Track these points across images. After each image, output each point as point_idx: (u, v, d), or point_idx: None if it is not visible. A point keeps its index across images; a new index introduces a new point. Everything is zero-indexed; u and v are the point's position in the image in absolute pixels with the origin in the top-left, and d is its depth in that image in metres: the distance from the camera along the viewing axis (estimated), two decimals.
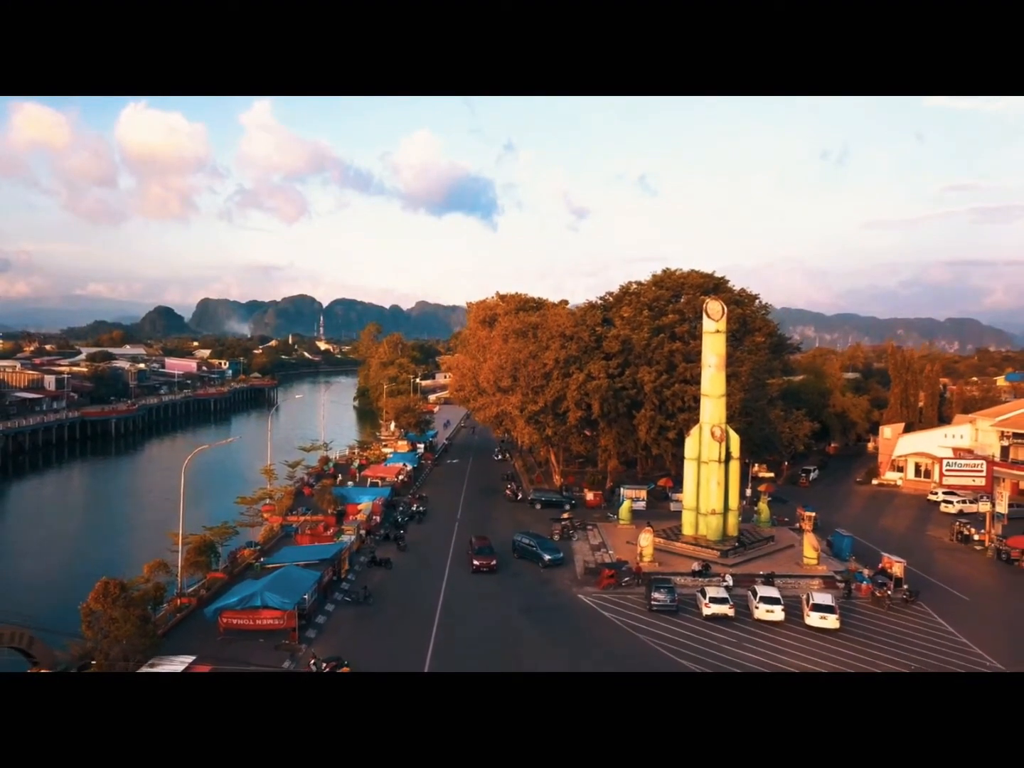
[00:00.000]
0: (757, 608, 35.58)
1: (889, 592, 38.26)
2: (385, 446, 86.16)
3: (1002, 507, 48.99)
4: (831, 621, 34.25)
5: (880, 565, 41.59)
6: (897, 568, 40.23)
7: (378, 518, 52.91)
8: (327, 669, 28.00)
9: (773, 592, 36.57)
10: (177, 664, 25.25)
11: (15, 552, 56.48)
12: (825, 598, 35.56)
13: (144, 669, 24.81)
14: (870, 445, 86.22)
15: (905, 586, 39.23)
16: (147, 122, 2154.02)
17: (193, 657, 26.44)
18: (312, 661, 28.84)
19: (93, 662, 25.70)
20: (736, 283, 70.13)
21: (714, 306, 45.82)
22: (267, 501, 55.25)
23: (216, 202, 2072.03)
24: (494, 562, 42.35)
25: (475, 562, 42.26)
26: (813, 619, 34.49)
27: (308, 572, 36.68)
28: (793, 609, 35.86)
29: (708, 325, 45.84)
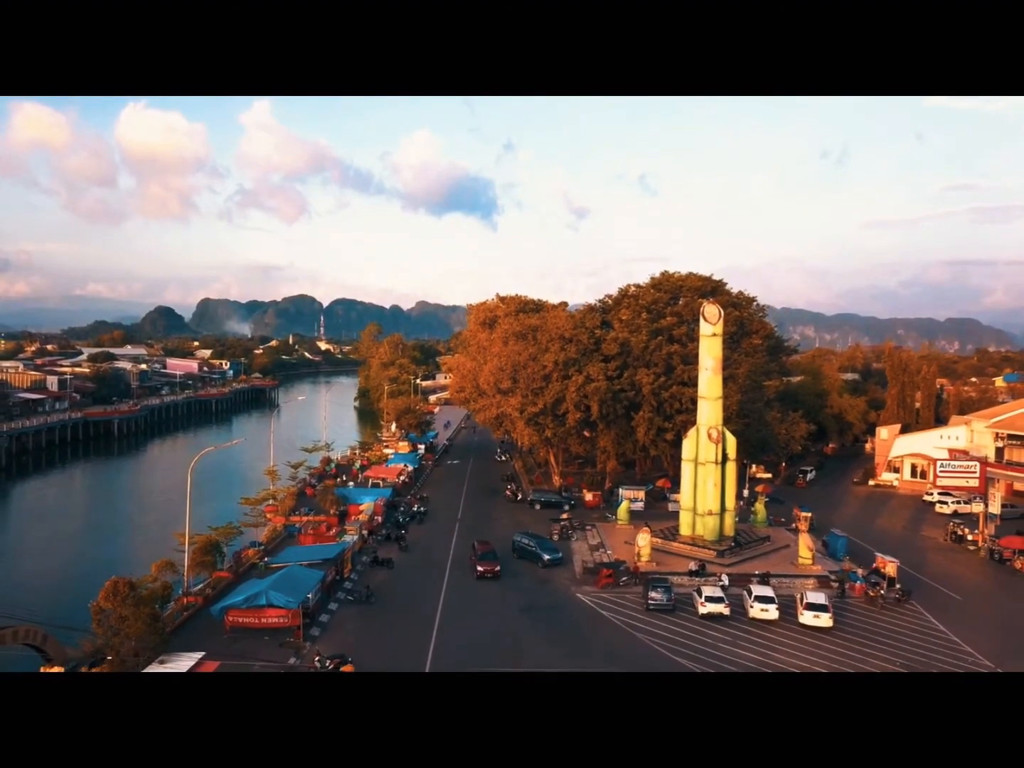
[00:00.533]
0: (752, 607, 36.26)
1: (882, 591, 38.95)
2: (386, 447, 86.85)
3: (995, 508, 49.66)
4: (824, 620, 34.93)
5: (874, 565, 42.29)
6: (890, 568, 40.93)
7: (380, 518, 53.61)
8: (331, 666, 28.73)
9: (768, 591, 37.24)
10: (187, 660, 26.00)
11: (21, 552, 57.21)
12: (819, 597, 36.25)
13: (154, 665, 25.62)
14: (867, 446, 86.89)
15: (898, 585, 39.94)
16: (147, 122, 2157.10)
17: (202, 653, 27.17)
18: (316, 658, 29.53)
19: (108, 658, 26.44)
20: (736, 283, 71.40)
21: (711, 310, 46.48)
22: (270, 502, 55.95)
23: (216, 202, 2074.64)
24: (498, 568, 41.86)
25: (479, 568, 41.79)
26: (807, 618, 35.17)
27: (312, 572, 37.37)
28: (787, 608, 36.55)
29: (705, 328, 46.52)
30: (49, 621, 27.35)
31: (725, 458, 46.28)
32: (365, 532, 49.29)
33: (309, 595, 34.77)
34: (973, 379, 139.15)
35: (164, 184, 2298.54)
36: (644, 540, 44.21)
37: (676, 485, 55.02)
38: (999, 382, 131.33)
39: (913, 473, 71.85)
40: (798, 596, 37.21)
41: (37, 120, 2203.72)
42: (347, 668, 28.54)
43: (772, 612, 35.84)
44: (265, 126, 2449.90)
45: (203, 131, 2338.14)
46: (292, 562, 39.78)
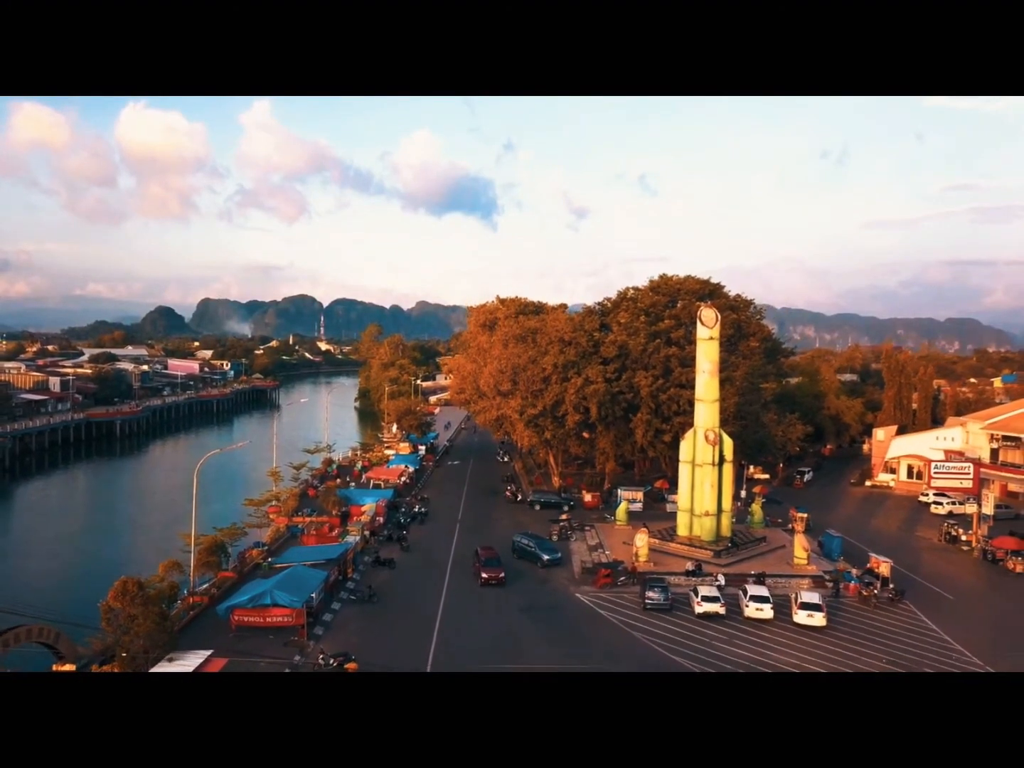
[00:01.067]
0: (747, 606, 36.91)
1: (875, 591, 39.61)
2: (387, 448, 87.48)
3: (988, 509, 50.32)
4: (818, 619, 35.60)
5: (868, 565, 42.95)
6: (884, 568, 41.56)
7: (381, 519, 54.25)
8: (335, 664, 29.42)
9: (763, 591, 37.90)
10: (195, 658, 26.70)
11: (27, 552, 57.85)
12: (813, 597, 36.91)
13: (163, 663, 26.33)
14: (865, 447, 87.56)
15: (891, 585, 40.57)
16: (147, 122, 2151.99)
17: (210, 651, 27.86)
18: (320, 656, 30.23)
19: (124, 654, 27.14)
20: (736, 283, 72.81)
21: (708, 313, 47.15)
22: (273, 503, 56.64)
23: (216, 202, 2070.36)
24: (503, 574, 41.18)
25: (483, 575, 41.14)
26: (800, 617, 35.84)
27: (315, 572, 38.04)
28: (782, 607, 37.19)
29: (702, 332, 47.21)
30: (61, 619, 28.04)
31: (722, 460, 46.94)
32: (367, 533, 49.95)
33: (313, 595, 35.46)
34: (972, 379, 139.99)
35: (164, 184, 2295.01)
36: (642, 540, 44.88)
37: (674, 486, 55.66)
38: (997, 383, 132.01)
39: (909, 474, 72.48)
40: (793, 596, 37.86)
41: (37, 120, 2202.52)
42: (351, 666, 29.23)
43: (767, 611, 36.49)
44: (265, 126, 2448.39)
45: (203, 131, 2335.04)
46: (296, 562, 40.45)
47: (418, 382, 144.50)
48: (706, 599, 37.11)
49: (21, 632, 25.72)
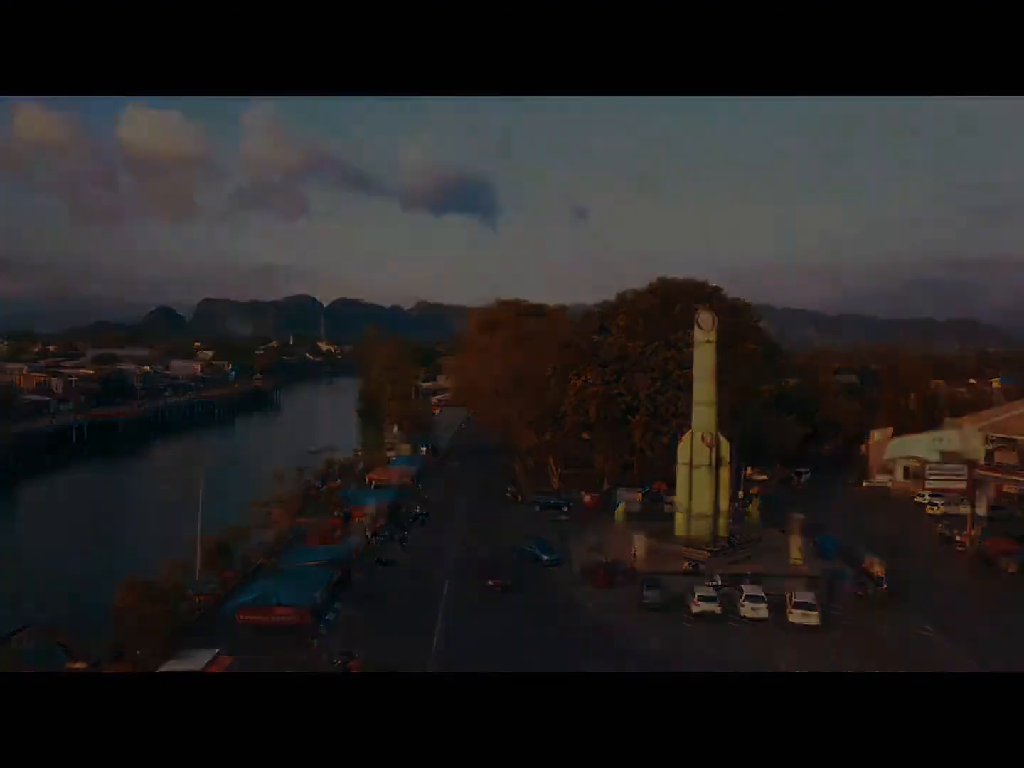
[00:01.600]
0: (743, 606, 37.57)
1: (869, 591, 40.25)
2: (388, 449, 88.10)
3: (982, 509, 50.90)
4: (812, 618, 36.22)
5: (862, 565, 43.57)
6: (877, 568, 42.22)
7: (383, 520, 54.91)
8: (339, 662, 30.09)
9: (758, 591, 38.55)
10: (203, 656, 27.39)
11: (33, 553, 58.42)
12: (807, 596, 37.57)
13: (172, 660, 27.01)
14: (862, 448, 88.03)
15: (884, 585, 41.20)
16: (147, 122, 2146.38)
17: (217, 650, 28.54)
18: (324, 655, 30.91)
19: (137, 652, 27.83)
20: (736, 283, 72.51)
21: (705, 317, 47.82)
22: (277, 504, 57.25)
23: (216, 202, 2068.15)
24: (509, 581, 41.35)
25: (489, 582, 41.33)
26: (795, 616, 36.47)
27: (319, 571, 38.76)
28: (777, 607, 37.82)
29: (699, 336, 47.86)
30: (72, 619, 28.71)
31: (719, 461, 47.59)
32: (369, 533, 50.62)
33: (316, 594, 36.16)
34: (971, 380, 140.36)
35: (164, 184, 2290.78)
36: (640, 541, 45.51)
37: (672, 487, 56.19)
38: (996, 383, 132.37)
39: (906, 475, 72.89)
40: (787, 595, 38.48)
41: (37, 120, 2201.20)
42: (354, 664, 29.88)
43: (762, 611, 37.13)
44: (265, 126, 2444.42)
45: (203, 131, 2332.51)
46: (299, 562, 41.13)
47: (419, 383, 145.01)
48: (703, 599, 37.75)
49: (35, 632, 26.45)
